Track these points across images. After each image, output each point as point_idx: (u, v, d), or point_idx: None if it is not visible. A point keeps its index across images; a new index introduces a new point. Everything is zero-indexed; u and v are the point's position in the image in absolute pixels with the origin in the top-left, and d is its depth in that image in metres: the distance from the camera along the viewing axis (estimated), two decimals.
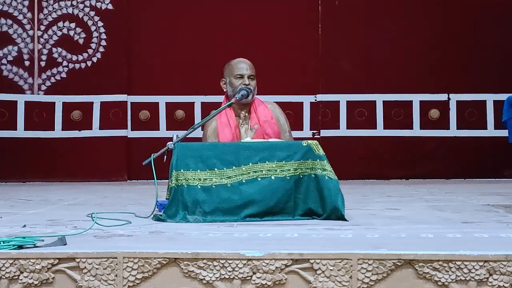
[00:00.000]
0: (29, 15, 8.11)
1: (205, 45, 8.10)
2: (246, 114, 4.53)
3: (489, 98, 8.15)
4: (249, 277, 2.78)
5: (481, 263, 2.73)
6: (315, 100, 8.23)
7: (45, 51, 8.10)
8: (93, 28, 8.13)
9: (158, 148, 4.11)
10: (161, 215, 3.93)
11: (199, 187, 3.93)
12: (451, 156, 8.15)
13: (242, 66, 4.57)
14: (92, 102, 8.11)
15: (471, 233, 3.39)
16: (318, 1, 8.21)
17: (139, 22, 8.19)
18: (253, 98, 4.56)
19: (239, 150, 4.00)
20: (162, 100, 8.21)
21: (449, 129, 8.22)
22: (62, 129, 8.10)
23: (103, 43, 8.13)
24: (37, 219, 4.09)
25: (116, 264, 2.78)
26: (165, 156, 4.04)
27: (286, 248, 2.87)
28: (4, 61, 8.07)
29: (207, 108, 7.62)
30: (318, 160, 3.98)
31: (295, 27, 8.20)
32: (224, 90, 4.62)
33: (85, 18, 8.13)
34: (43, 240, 3.00)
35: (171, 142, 4.05)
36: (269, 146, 4.03)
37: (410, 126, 8.22)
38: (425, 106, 8.22)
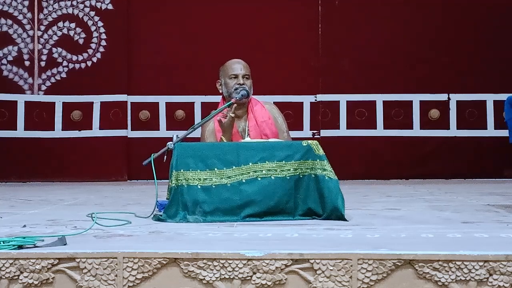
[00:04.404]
0: (29, 15, 8.11)
1: (205, 45, 8.10)
2: (232, 113, 4.44)
3: (489, 98, 8.16)
4: (249, 277, 2.78)
5: (481, 263, 2.73)
6: (315, 100, 8.23)
7: (45, 51, 8.11)
8: (93, 28, 8.14)
9: (158, 148, 4.11)
10: (161, 215, 3.93)
11: (199, 187, 3.93)
12: (451, 156, 8.15)
13: (236, 66, 4.58)
14: (92, 102, 8.11)
15: (471, 233, 3.39)
16: (318, 1, 8.21)
17: (139, 22, 8.19)
18: (249, 98, 4.57)
19: (239, 150, 4.00)
20: (162, 100, 8.21)
21: (449, 129, 8.22)
22: (62, 129, 8.10)
23: (103, 43, 8.13)
24: (37, 219, 4.09)
25: (116, 264, 2.78)
26: (165, 156, 4.04)
27: (286, 248, 2.87)
28: (4, 61, 8.07)
29: (207, 108, 7.62)
30: (318, 160, 3.98)
31: (295, 27, 8.21)
32: (220, 91, 4.63)
33: (85, 18, 8.14)
34: (43, 240, 3.00)
35: (171, 142, 4.05)
36: (269, 146, 4.02)
37: (410, 126, 8.23)
38: (425, 106, 8.22)
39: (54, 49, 8.11)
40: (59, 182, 7.86)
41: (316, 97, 8.23)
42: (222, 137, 4.41)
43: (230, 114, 4.38)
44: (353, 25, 8.20)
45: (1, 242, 2.90)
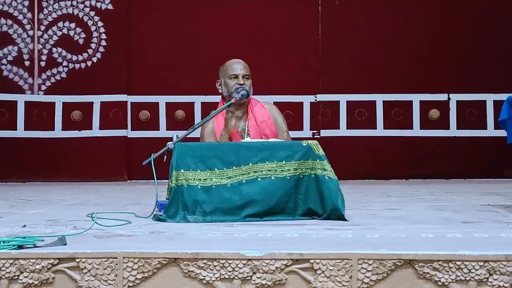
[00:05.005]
0: (29, 15, 8.11)
1: (205, 45, 8.10)
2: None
3: (489, 98, 8.16)
4: (249, 277, 2.78)
5: (481, 263, 2.73)
6: (315, 100, 8.23)
7: (45, 51, 8.10)
8: (93, 28, 8.14)
9: (158, 148, 4.11)
10: (161, 215, 3.93)
11: (199, 187, 3.93)
12: (451, 156, 8.15)
13: (236, 66, 4.59)
14: (92, 102, 8.11)
15: (471, 233, 3.39)
16: (318, 1, 8.21)
17: (139, 22, 8.19)
18: (249, 98, 4.57)
19: (239, 150, 4.00)
20: (162, 100, 8.21)
21: (449, 129, 8.22)
22: (62, 129, 8.10)
23: (103, 43, 8.13)
24: (37, 219, 4.09)
25: (116, 264, 2.78)
26: (165, 156, 4.04)
27: (286, 248, 2.87)
28: (4, 61, 8.07)
29: (207, 108, 7.61)
30: (318, 160, 3.98)
31: (295, 27, 8.20)
32: (220, 91, 4.64)
33: (85, 18, 8.14)
34: (43, 240, 3.00)
35: (171, 142, 4.05)
36: (269, 146, 4.03)
37: (410, 126, 8.22)
38: (425, 106, 8.22)
39: (54, 49, 8.11)
40: (59, 182, 7.86)
41: (316, 97, 8.23)
42: (222, 133, 4.43)
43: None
44: (353, 25, 8.20)
45: (1, 242, 2.90)
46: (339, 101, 8.22)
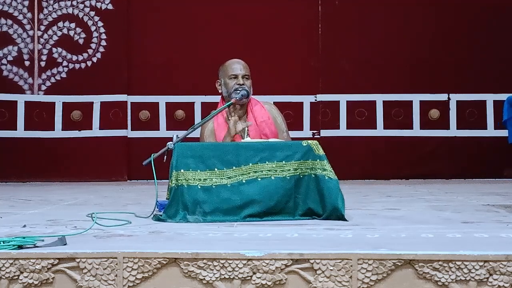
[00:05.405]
0: (29, 15, 8.11)
1: (205, 45, 8.10)
2: (237, 112, 4.51)
3: (489, 98, 8.16)
4: (249, 277, 2.78)
5: (481, 263, 2.73)
6: (315, 100, 8.23)
7: (45, 51, 8.10)
8: (93, 28, 8.14)
9: (158, 148, 4.11)
10: (161, 215, 3.93)
11: (199, 187, 3.93)
12: (451, 156, 8.15)
13: (236, 66, 4.59)
14: (92, 102, 8.11)
15: (471, 233, 3.39)
16: (318, 1, 8.21)
17: (139, 22, 8.19)
18: (249, 98, 4.58)
19: (239, 150, 4.00)
20: (162, 100, 8.21)
21: (449, 129, 8.22)
22: (62, 129, 8.10)
23: (103, 43, 8.13)
24: (37, 219, 4.09)
25: (116, 264, 2.78)
26: (165, 156, 4.04)
27: (286, 248, 2.87)
28: (4, 61, 8.07)
29: (207, 108, 7.61)
30: (318, 160, 3.98)
31: (295, 27, 8.20)
32: (220, 91, 4.64)
33: (85, 18, 8.14)
34: (43, 240, 3.00)
35: (171, 142, 4.05)
36: (269, 146, 4.03)
37: (410, 126, 8.22)
38: (425, 106, 8.22)
39: (54, 49, 8.11)
40: (59, 182, 7.86)
41: (316, 97, 8.23)
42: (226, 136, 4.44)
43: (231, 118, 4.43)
44: (353, 25, 8.20)
45: (1, 242, 2.90)
46: (339, 101, 8.22)
